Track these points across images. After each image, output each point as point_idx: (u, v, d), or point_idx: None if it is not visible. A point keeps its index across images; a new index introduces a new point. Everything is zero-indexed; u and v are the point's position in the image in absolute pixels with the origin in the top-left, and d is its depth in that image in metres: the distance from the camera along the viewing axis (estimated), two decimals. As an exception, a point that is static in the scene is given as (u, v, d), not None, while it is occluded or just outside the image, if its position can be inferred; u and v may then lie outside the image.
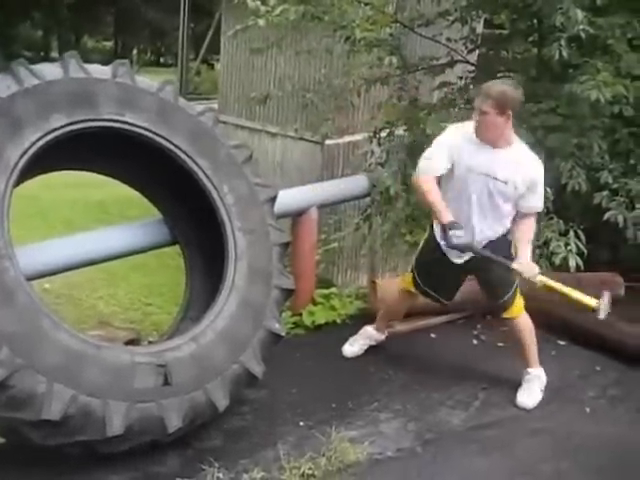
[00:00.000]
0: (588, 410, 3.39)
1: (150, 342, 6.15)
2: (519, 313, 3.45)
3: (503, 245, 3.31)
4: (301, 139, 8.14)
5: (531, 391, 3.38)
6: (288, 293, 3.25)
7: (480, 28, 6.01)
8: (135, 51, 30.36)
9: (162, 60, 30.74)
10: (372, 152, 5.25)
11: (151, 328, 7.23)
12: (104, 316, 7.47)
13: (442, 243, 3.27)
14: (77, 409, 2.45)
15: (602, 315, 3.19)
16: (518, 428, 3.19)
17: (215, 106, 9.77)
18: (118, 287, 8.29)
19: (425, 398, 3.39)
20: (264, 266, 3.15)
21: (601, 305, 3.18)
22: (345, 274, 8.40)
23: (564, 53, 4.09)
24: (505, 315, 3.45)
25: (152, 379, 2.65)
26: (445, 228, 3.11)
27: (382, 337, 3.84)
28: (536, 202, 3.29)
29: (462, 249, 3.20)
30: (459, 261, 3.33)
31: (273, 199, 3.36)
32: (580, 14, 3.87)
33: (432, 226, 3.43)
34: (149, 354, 2.71)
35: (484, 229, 3.27)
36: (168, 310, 7.77)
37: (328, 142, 7.26)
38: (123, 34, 30.00)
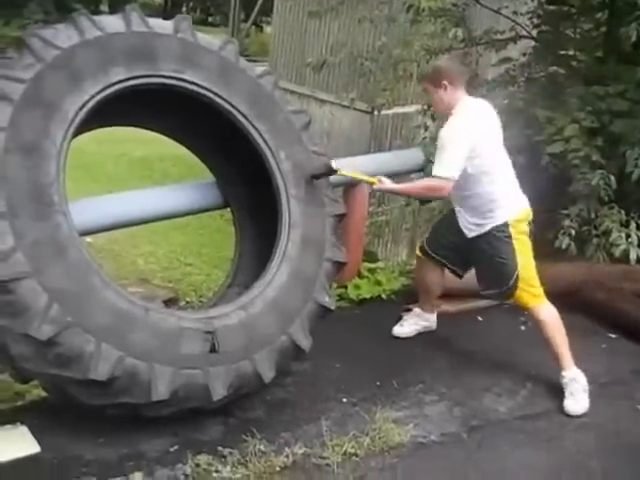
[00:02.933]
0: (639, 407, 3.27)
1: (189, 304, 6.19)
2: (532, 304, 3.25)
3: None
4: (350, 108, 8.00)
5: (575, 397, 3.18)
6: (339, 266, 3.18)
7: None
8: (184, 9, 30.20)
9: (210, 19, 30.57)
10: (426, 126, 5.11)
11: (189, 288, 7.22)
12: (143, 273, 7.48)
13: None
14: (123, 371, 2.42)
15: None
16: (565, 421, 3.09)
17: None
18: (158, 245, 8.30)
19: (471, 383, 3.31)
20: (317, 237, 3.07)
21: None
22: (386, 247, 8.31)
23: None
24: (510, 301, 3.35)
25: (199, 345, 2.60)
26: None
27: (432, 318, 3.74)
28: (435, 164, 3.14)
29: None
30: (468, 235, 3.29)
31: (330, 169, 3.26)
32: None
33: None
34: (197, 320, 2.67)
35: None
36: (207, 271, 7.78)
37: (381, 112, 7.12)
38: (174, -10, 29.86)
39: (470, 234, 3.28)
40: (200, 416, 2.73)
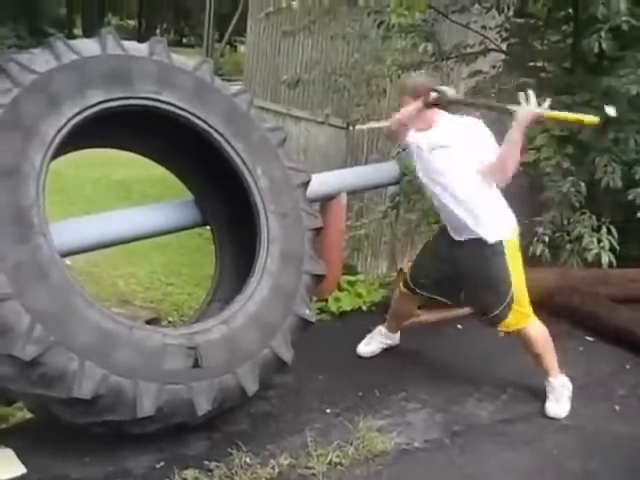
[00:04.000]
0: (617, 409, 3.34)
1: (172, 324, 6.19)
2: (522, 324, 3.20)
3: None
4: (326, 124, 8.08)
5: (559, 401, 3.23)
6: (319, 279, 3.23)
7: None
8: (158, 31, 30.29)
9: (185, 40, 30.67)
10: (400, 140, 5.18)
11: (171, 308, 7.22)
12: (124, 294, 7.47)
13: None
14: (108, 389, 2.44)
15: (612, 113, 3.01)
16: (546, 424, 3.15)
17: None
18: (138, 266, 8.29)
19: (452, 389, 3.36)
20: (296, 251, 3.12)
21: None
22: (365, 261, 8.36)
23: (604, 45, 4.01)
24: (501, 328, 3.26)
25: (183, 361, 2.63)
26: None
27: (395, 336, 3.72)
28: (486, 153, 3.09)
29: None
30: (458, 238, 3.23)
31: (306, 183, 3.33)
32: (623, 4, 3.78)
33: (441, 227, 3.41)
34: (180, 336, 2.70)
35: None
36: (188, 290, 7.78)
37: (357, 127, 7.18)
38: (147, 13, 29.96)
39: (460, 237, 3.19)
40: (185, 431, 2.76)
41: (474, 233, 3.15)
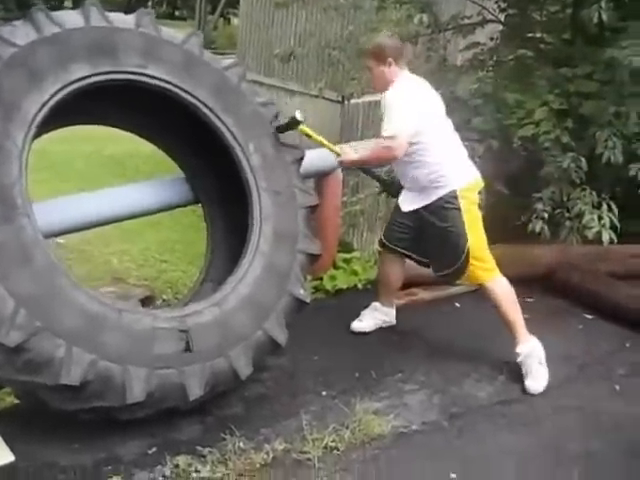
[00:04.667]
0: (617, 388, 3.28)
1: (166, 302, 6.11)
2: (485, 279, 3.24)
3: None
4: (320, 97, 7.95)
5: (534, 373, 3.16)
6: (313, 258, 3.14)
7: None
8: (150, 3, 29.83)
9: (177, 13, 30.25)
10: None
11: (165, 286, 7.12)
12: (118, 272, 7.37)
13: None
14: (96, 374, 2.37)
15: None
16: (545, 404, 3.09)
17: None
18: (132, 243, 8.18)
19: (449, 370, 3.30)
20: (290, 229, 3.03)
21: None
22: (361, 237, 8.28)
23: (604, 16, 3.89)
24: (461, 282, 3.34)
25: (173, 345, 2.56)
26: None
27: (391, 312, 3.67)
28: (383, 125, 3.15)
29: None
30: (405, 209, 3.34)
31: (300, 160, 3.23)
32: None
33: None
34: (171, 319, 2.62)
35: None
36: (182, 268, 7.68)
37: (352, 100, 7.06)
38: (138, -16, 29.47)
39: (414, 206, 3.27)
40: (177, 416, 2.69)
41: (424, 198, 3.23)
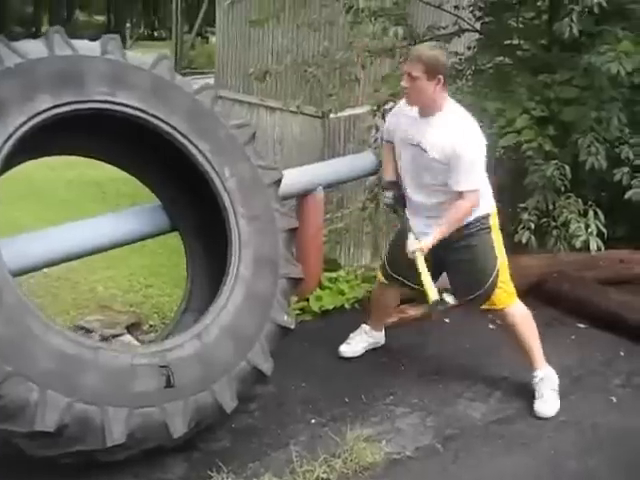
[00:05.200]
0: (614, 400, 3.21)
1: (153, 327, 6.01)
2: (507, 303, 3.12)
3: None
4: (301, 113, 7.90)
5: (545, 398, 3.08)
6: (296, 282, 3.06)
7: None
8: (128, 25, 29.83)
9: (156, 34, 30.24)
10: (376, 127, 5.02)
11: (152, 311, 7.03)
12: (103, 299, 7.28)
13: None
14: (73, 418, 2.27)
15: (437, 309, 3.03)
16: (541, 421, 3.01)
17: (211, 81, 9.50)
18: (117, 269, 8.09)
19: (442, 390, 3.21)
20: (270, 254, 2.95)
21: (442, 299, 2.99)
22: (348, 251, 8.22)
23: (574, 30, 3.84)
24: (486, 306, 3.14)
25: (154, 381, 2.46)
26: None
27: (380, 335, 3.57)
28: (456, 179, 2.93)
29: (392, 209, 3.27)
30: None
31: (278, 182, 3.15)
32: None
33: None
34: (150, 354, 2.52)
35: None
36: (168, 292, 7.59)
37: (331, 115, 7.01)
38: (116, 8, 29.49)
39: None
40: (161, 453, 2.59)
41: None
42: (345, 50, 4.50)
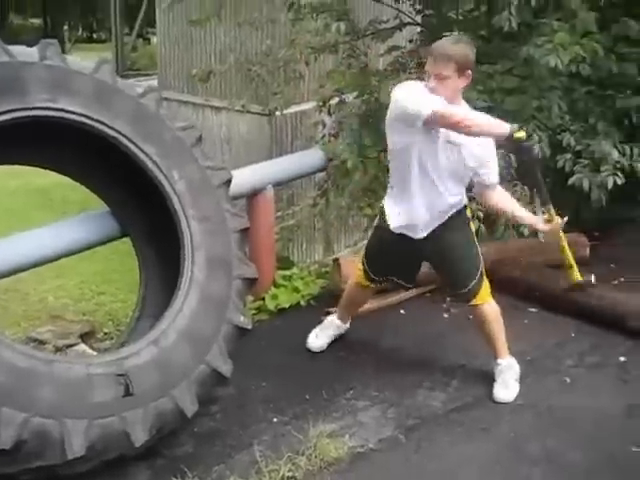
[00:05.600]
0: (568, 380, 3.29)
1: (108, 335, 5.92)
2: (485, 300, 3.17)
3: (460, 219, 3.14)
4: (247, 112, 7.85)
5: (507, 384, 3.14)
6: (251, 282, 3.06)
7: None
8: (66, 27, 29.18)
9: (95, 36, 29.67)
10: (323, 123, 5.04)
11: (106, 318, 6.92)
12: (55, 309, 7.14)
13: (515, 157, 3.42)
14: (31, 433, 2.22)
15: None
16: (499, 406, 3.07)
17: (155, 82, 9.37)
18: (67, 278, 7.93)
19: (401, 380, 3.24)
20: (223, 255, 2.93)
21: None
22: (301, 247, 8.21)
23: (513, 23, 3.89)
24: (473, 303, 3.17)
25: (112, 391, 2.43)
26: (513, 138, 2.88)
27: (347, 326, 3.61)
28: (494, 173, 3.12)
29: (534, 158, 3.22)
30: (421, 236, 3.08)
31: (228, 182, 3.14)
32: None
33: (382, 212, 3.17)
34: (106, 363, 2.49)
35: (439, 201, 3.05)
36: (121, 298, 7.47)
37: (277, 113, 7.00)
38: (52, 11, 28.80)
39: (429, 229, 3.06)
40: (124, 462, 2.55)
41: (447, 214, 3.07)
42: (288, 47, 4.49)
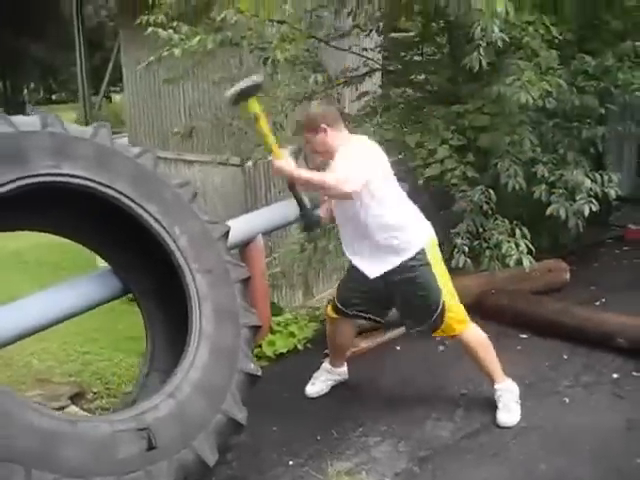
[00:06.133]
0: (567, 400, 3.41)
1: (97, 394, 5.87)
2: (459, 330, 3.24)
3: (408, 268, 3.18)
4: (220, 164, 7.98)
5: (508, 408, 3.24)
6: (256, 330, 3.13)
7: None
8: (25, 91, 29.20)
9: (54, 97, 29.72)
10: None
11: (93, 378, 6.86)
12: (40, 372, 7.06)
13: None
14: (62, 494, 2.25)
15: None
16: (506, 430, 3.17)
17: (125, 140, 9.47)
18: (49, 340, 7.85)
19: (408, 414, 3.34)
20: (229, 306, 3.01)
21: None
22: (281, 292, 8.29)
23: (483, 63, 4.07)
24: (438, 334, 3.29)
25: (135, 446, 2.47)
26: None
27: (342, 371, 3.68)
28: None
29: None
30: (373, 275, 3.22)
31: (226, 234, 3.23)
32: (497, 29, 3.84)
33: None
34: (127, 420, 2.53)
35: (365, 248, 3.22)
36: (107, 356, 7.42)
37: (249, 164, 7.14)
38: (11, 74, 28.80)
39: (381, 270, 3.17)
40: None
41: (391, 261, 3.16)
42: (267, 100, 4.63)
